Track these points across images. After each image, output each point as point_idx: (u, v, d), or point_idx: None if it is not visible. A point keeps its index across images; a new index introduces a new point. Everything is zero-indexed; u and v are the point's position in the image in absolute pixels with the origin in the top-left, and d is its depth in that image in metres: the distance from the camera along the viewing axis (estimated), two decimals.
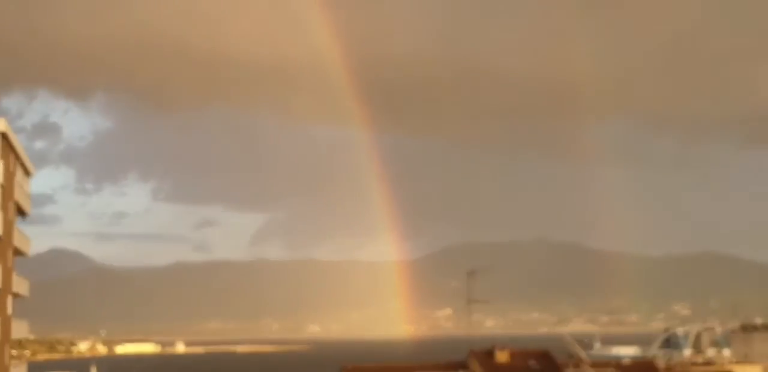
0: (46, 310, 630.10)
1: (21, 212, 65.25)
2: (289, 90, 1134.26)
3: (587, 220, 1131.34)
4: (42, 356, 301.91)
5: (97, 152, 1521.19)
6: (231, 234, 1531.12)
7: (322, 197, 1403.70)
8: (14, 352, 66.83)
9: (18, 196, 62.42)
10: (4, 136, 57.44)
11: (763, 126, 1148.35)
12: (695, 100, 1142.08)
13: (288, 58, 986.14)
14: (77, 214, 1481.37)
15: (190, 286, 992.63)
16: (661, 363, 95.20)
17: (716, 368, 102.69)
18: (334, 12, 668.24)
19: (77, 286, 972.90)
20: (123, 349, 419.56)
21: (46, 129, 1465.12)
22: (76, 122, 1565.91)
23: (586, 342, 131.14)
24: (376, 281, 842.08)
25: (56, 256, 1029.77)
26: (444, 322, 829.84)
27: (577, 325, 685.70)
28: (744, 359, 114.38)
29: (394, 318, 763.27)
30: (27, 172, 66.84)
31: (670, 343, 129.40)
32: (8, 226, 59.96)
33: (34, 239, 69.70)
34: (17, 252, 64.11)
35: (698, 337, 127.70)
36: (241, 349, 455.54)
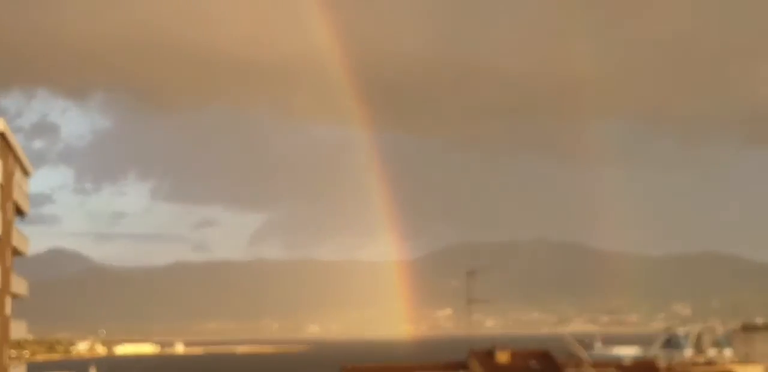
0: (45, 310, 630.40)
1: (20, 212, 65.01)
2: (289, 89, 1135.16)
3: (587, 219, 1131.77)
4: (41, 356, 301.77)
5: (96, 152, 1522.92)
6: (230, 234, 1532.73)
7: (322, 197, 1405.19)
8: (13, 352, 66.58)
9: (16, 195, 62.17)
10: (3, 135, 57.20)
11: (763, 126, 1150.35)
12: (695, 100, 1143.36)
13: (288, 58, 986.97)
14: (76, 214, 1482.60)
15: (189, 286, 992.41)
16: (662, 363, 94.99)
17: (717, 368, 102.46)
18: (334, 12, 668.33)
19: (76, 286, 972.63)
20: (122, 349, 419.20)
21: (44, 128, 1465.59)
22: (75, 122, 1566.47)
23: (586, 342, 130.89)
24: (376, 281, 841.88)
25: (55, 256, 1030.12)
26: (444, 322, 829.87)
27: (577, 325, 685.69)
28: (745, 359, 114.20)
29: (394, 318, 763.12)
30: (25, 172, 66.60)
31: (671, 343, 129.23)
32: (7, 226, 59.72)
33: (32, 239, 69.46)
34: (16, 252, 63.88)
35: (699, 337, 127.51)
36: (240, 349, 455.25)
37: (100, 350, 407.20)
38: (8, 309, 61.70)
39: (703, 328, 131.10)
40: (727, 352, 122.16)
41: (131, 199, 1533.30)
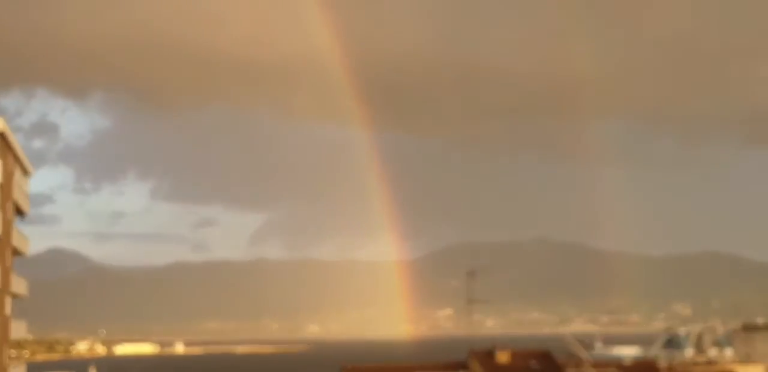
0: (45, 310, 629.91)
1: (19, 212, 64.91)
2: (289, 89, 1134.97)
3: (587, 219, 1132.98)
4: (41, 356, 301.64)
5: (95, 152, 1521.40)
6: (230, 234, 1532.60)
7: (322, 197, 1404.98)
8: (13, 352, 66.50)
9: (16, 195, 62.06)
10: (2, 135, 57.08)
11: (763, 126, 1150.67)
12: (695, 100, 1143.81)
13: (288, 58, 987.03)
14: (76, 214, 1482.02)
15: (189, 286, 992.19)
16: (662, 363, 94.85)
17: (718, 368, 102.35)
18: (334, 11, 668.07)
19: (76, 286, 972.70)
20: (122, 349, 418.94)
21: (44, 128, 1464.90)
22: (75, 121, 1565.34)
23: (587, 342, 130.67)
24: (376, 281, 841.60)
25: (55, 256, 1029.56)
26: (444, 322, 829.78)
27: (577, 325, 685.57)
28: (746, 359, 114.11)
29: (394, 318, 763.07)
30: (25, 172, 66.49)
31: (672, 343, 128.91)
32: (7, 226, 59.62)
33: (32, 239, 69.39)
34: (16, 252, 63.78)
35: (700, 337, 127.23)
36: (240, 349, 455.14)
37: (100, 350, 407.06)
38: (8, 309, 61.59)
39: (703, 328, 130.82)
40: (728, 352, 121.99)
41: (131, 198, 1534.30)
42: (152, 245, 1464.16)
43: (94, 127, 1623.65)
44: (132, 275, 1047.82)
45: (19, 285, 64.45)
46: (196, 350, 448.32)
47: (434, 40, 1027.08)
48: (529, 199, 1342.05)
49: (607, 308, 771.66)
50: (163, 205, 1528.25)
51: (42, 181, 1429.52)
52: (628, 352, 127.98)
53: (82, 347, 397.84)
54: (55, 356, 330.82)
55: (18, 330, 64.65)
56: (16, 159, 61.98)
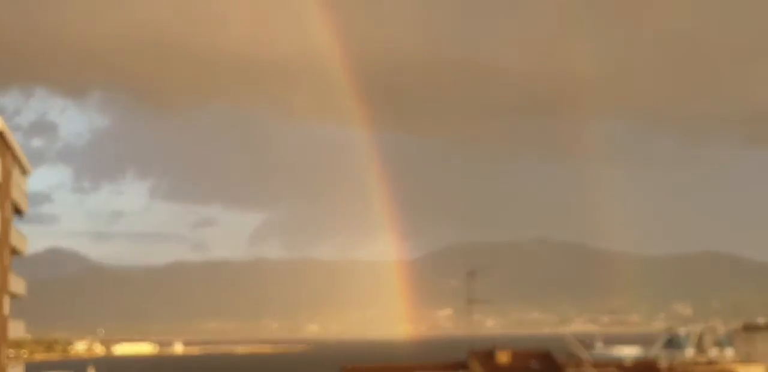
0: (44, 309, 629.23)
1: (18, 211, 64.74)
2: (289, 88, 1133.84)
3: (587, 219, 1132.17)
4: (39, 356, 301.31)
5: (94, 151, 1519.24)
6: (230, 233, 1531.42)
7: (322, 196, 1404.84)
8: (12, 351, 66.33)
9: (15, 195, 61.89)
10: (1, 134, 56.91)
11: (763, 126, 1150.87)
12: (695, 100, 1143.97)
13: (288, 57, 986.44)
14: (75, 213, 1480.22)
15: (188, 286, 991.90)
16: (663, 363, 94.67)
17: (719, 368, 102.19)
18: (334, 10, 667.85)
19: (75, 285, 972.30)
20: (121, 348, 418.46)
21: (43, 127, 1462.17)
22: (74, 120, 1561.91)
23: (587, 342, 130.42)
24: (375, 281, 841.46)
25: (53, 255, 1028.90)
26: (444, 322, 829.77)
27: (578, 325, 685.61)
28: (747, 359, 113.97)
29: (394, 318, 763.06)
30: (24, 171, 66.31)
31: (672, 343, 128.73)
32: (5, 225, 59.43)
33: (31, 238, 69.24)
34: (14, 251, 63.62)
35: (700, 337, 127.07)
36: (240, 349, 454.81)
37: (99, 350, 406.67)
38: (6, 308, 61.40)
39: (704, 328, 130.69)
40: (729, 352, 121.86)
41: (130, 198, 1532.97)
42: (151, 245, 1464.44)
43: (93, 126, 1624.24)
44: (131, 275, 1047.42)
45: (17, 284, 64.28)
46: (196, 350, 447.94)
47: (434, 40, 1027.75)
48: (529, 199, 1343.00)
49: (608, 308, 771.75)
50: (162, 205, 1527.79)
51: (41, 180, 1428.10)
52: (629, 352, 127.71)
53: (80, 347, 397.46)
54: (53, 356, 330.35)
55: (16, 329, 64.47)
56: (15, 158, 61.79)
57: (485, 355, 75.74)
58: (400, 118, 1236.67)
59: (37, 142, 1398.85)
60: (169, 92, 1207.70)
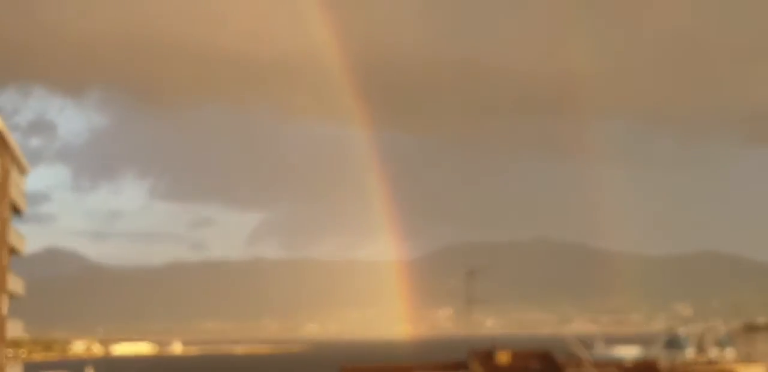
0: (42, 309, 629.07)
1: (16, 210, 64.53)
2: (288, 88, 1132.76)
3: (587, 219, 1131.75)
4: (38, 356, 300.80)
5: (93, 150, 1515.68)
6: (228, 233, 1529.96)
7: (321, 196, 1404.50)
8: (10, 351, 66.14)
9: (13, 194, 61.66)
10: None
11: (763, 125, 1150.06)
12: (695, 100, 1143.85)
13: (287, 56, 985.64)
14: (73, 213, 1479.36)
15: (187, 286, 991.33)
16: (664, 363, 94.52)
17: (719, 368, 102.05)
18: (333, 9, 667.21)
19: (73, 285, 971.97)
20: (119, 348, 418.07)
21: (41, 126, 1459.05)
22: (73, 120, 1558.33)
23: (587, 342, 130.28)
24: (375, 281, 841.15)
25: (52, 255, 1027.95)
26: (444, 322, 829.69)
27: (578, 325, 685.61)
28: (747, 359, 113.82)
29: (393, 318, 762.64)
30: (22, 170, 66.07)
31: (673, 343, 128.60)
32: (3, 225, 59.22)
33: (29, 238, 69.04)
34: (12, 251, 63.41)
35: (701, 337, 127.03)
36: (239, 349, 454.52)
37: (97, 349, 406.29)
38: (5, 308, 61.20)
39: (704, 328, 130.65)
40: (729, 352, 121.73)
41: (129, 197, 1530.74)
42: (150, 244, 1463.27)
43: (92, 125, 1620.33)
44: (129, 274, 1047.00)
45: (16, 284, 64.07)
46: (194, 350, 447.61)
47: (435, 39, 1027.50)
48: (528, 198, 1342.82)
49: (608, 308, 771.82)
50: (160, 204, 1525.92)
51: (39, 179, 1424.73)
52: (629, 352, 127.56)
53: (79, 347, 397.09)
54: (52, 356, 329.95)
55: (15, 329, 64.29)
56: (13, 157, 61.57)
57: (485, 355, 75.59)
58: (399, 117, 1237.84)
59: (35, 142, 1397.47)
60: (168, 91, 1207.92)
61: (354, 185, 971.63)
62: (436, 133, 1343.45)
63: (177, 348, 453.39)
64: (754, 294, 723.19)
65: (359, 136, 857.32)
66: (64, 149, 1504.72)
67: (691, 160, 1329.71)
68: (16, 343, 71.21)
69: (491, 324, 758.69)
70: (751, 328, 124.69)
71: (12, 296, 63.89)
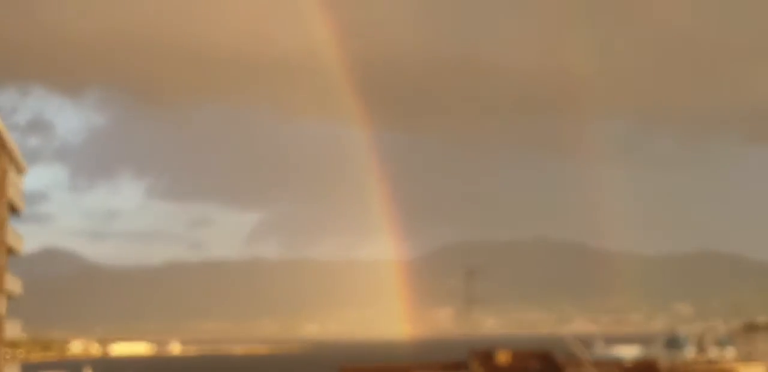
0: (40, 309, 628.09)
1: (14, 210, 64.29)
2: (288, 87, 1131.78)
3: (587, 219, 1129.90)
4: (36, 356, 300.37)
5: (91, 149, 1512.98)
6: (227, 232, 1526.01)
7: (320, 196, 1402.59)
8: (8, 351, 65.94)
9: (11, 193, 61.41)
10: None
11: (763, 124, 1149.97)
12: (695, 99, 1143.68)
13: (287, 56, 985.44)
14: (71, 212, 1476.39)
15: (185, 286, 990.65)
16: (664, 363, 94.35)
17: (719, 367, 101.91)
18: (333, 9, 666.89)
19: (71, 285, 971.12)
20: (117, 348, 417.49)
21: (40, 126, 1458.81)
22: (71, 119, 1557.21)
23: (587, 342, 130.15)
24: (374, 281, 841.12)
25: (50, 254, 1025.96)
26: (443, 322, 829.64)
27: (577, 325, 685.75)
28: (747, 358, 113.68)
29: (392, 318, 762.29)
30: (20, 170, 65.83)
31: (673, 342, 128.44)
32: (1, 225, 58.99)
33: (27, 238, 68.81)
34: (10, 250, 63.19)
35: (701, 336, 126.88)
36: (238, 349, 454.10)
37: (95, 349, 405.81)
38: (2, 308, 61.01)
39: (704, 328, 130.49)
40: (729, 352, 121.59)
41: (127, 197, 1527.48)
42: (148, 244, 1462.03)
43: (90, 125, 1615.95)
44: (128, 274, 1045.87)
45: (13, 284, 63.86)
46: (193, 350, 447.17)
47: (434, 39, 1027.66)
48: (528, 198, 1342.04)
49: (607, 308, 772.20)
50: (159, 204, 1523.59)
51: (37, 179, 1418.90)
52: (629, 351, 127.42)
53: (77, 347, 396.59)
54: (50, 356, 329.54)
55: (13, 329, 64.08)
56: (11, 157, 61.33)
57: (485, 355, 75.41)
58: (399, 117, 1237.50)
59: (33, 141, 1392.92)
60: (167, 91, 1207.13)
61: (353, 185, 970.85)
62: (435, 132, 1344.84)
63: (175, 348, 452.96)
64: (754, 294, 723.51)
65: (359, 135, 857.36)
66: (63, 149, 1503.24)
67: (691, 160, 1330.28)
68: (14, 343, 70.99)
69: (491, 324, 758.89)
70: (751, 328, 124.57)
71: (10, 296, 63.69)
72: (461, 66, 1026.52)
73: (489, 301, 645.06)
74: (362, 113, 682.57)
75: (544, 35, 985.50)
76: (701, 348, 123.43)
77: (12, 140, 60.53)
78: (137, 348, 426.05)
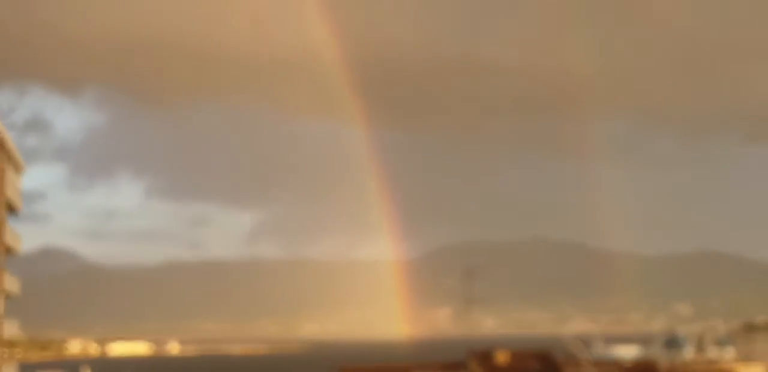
0: (38, 309, 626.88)
1: (12, 209, 64.21)
2: (287, 86, 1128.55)
3: (587, 219, 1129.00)
4: (34, 356, 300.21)
5: (90, 149, 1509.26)
6: (226, 232, 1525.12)
7: (319, 195, 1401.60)
8: (6, 351, 65.88)
9: (9, 193, 61.34)
10: None
11: (763, 125, 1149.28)
12: (695, 99, 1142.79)
13: (287, 55, 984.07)
14: (69, 212, 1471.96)
15: (184, 286, 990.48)
16: (663, 363, 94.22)
17: (719, 368, 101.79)
18: (333, 8, 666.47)
19: (69, 284, 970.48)
20: (116, 347, 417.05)
21: (38, 125, 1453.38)
22: (69, 118, 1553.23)
23: (587, 342, 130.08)
24: (373, 281, 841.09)
25: (48, 254, 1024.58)
26: (443, 322, 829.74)
27: (577, 325, 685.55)
28: (747, 359, 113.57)
29: (392, 318, 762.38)
30: (18, 169, 65.74)
31: (672, 342, 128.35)
32: None
33: (25, 237, 68.73)
34: (8, 250, 63.10)
35: (700, 336, 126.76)
36: (237, 349, 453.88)
37: (94, 349, 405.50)
38: (0, 308, 60.92)
39: (704, 328, 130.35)
40: (729, 352, 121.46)
41: (125, 196, 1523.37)
42: (147, 244, 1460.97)
43: (89, 124, 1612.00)
44: (126, 274, 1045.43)
45: (11, 283, 63.78)
46: (192, 350, 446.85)
47: (434, 38, 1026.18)
48: (527, 198, 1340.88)
49: (607, 308, 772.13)
50: (158, 204, 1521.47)
51: (35, 178, 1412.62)
52: (629, 351, 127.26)
53: (75, 346, 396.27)
54: (48, 355, 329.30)
55: (11, 329, 64.01)
56: (9, 156, 61.25)
57: (484, 355, 75.37)
58: (398, 116, 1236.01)
59: (31, 140, 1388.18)
60: (167, 91, 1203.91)
61: (353, 185, 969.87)
62: (435, 132, 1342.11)
63: (174, 348, 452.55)
64: (754, 294, 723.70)
65: (358, 135, 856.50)
66: (61, 148, 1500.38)
67: (691, 160, 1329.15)
68: (11, 343, 70.89)
69: (490, 324, 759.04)
70: (750, 328, 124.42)
71: (8, 296, 63.61)
72: (461, 66, 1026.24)
73: (488, 301, 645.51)
74: (362, 113, 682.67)
75: (544, 35, 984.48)
76: (701, 348, 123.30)
77: (10, 139, 60.45)
78: (136, 348, 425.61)
